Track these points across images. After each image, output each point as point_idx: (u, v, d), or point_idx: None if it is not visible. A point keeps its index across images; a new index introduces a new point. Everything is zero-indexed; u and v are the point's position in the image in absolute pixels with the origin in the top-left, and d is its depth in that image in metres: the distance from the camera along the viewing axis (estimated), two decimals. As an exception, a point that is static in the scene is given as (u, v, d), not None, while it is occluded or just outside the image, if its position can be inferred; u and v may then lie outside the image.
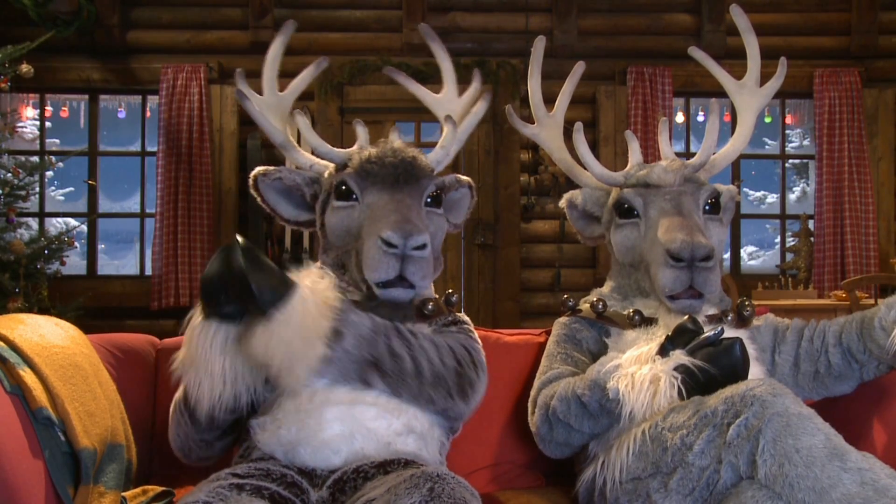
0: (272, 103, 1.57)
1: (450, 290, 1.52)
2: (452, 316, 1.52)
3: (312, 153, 1.57)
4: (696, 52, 1.76)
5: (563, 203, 1.75)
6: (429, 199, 1.48)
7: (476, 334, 1.52)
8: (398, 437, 1.31)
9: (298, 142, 1.64)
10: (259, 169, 1.51)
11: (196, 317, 1.29)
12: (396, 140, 1.53)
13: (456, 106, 1.68)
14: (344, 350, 1.24)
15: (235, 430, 1.41)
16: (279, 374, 1.21)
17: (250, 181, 1.51)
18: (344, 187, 1.44)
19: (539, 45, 1.75)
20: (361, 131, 1.58)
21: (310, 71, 1.58)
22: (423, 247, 1.32)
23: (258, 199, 1.52)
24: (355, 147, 1.55)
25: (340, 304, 1.27)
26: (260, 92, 1.56)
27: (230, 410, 1.30)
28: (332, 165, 1.53)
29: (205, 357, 1.24)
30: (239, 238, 1.24)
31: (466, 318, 1.56)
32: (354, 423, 1.28)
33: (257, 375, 1.29)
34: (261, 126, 1.54)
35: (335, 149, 1.51)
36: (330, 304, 1.25)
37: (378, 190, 1.42)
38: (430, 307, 1.45)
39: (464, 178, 1.63)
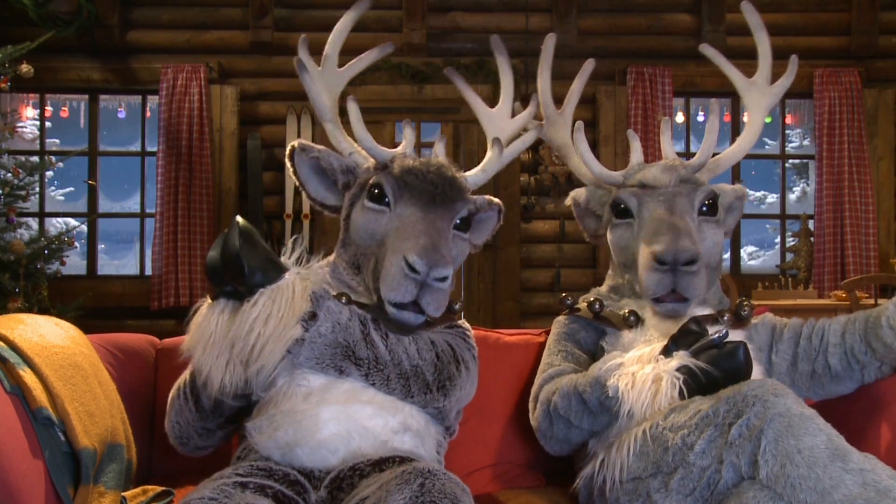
0: (329, 79, 1.54)
1: (451, 299, 1.52)
2: (452, 323, 1.52)
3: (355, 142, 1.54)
4: (706, 50, 1.73)
5: (568, 201, 1.74)
6: (458, 222, 1.46)
7: (472, 339, 1.52)
8: (395, 434, 1.32)
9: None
10: (299, 141, 1.50)
11: (205, 302, 1.29)
12: (441, 154, 1.51)
13: (506, 125, 1.65)
14: (318, 332, 1.27)
15: (237, 419, 1.41)
16: (256, 352, 1.22)
17: (287, 150, 1.50)
18: (378, 190, 1.42)
19: (549, 43, 1.74)
20: (409, 133, 1.55)
21: (373, 53, 1.57)
22: (444, 279, 1.32)
23: (290, 171, 1.51)
24: (400, 149, 1.52)
25: (321, 291, 1.29)
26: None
27: (240, 394, 1.30)
28: (371, 160, 1.51)
29: (214, 336, 1.23)
30: (239, 219, 1.25)
31: (465, 325, 1.56)
32: (351, 423, 1.28)
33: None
34: (312, 100, 1.51)
35: (379, 147, 1.48)
36: (312, 290, 1.27)
37: (412, 204, 1.39)
38: None
39: (495, 200, 1.61)
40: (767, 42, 1.67)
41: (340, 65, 1.57)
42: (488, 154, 1.58)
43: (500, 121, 1.66)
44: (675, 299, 1.47)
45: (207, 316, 1.25)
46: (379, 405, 1.31)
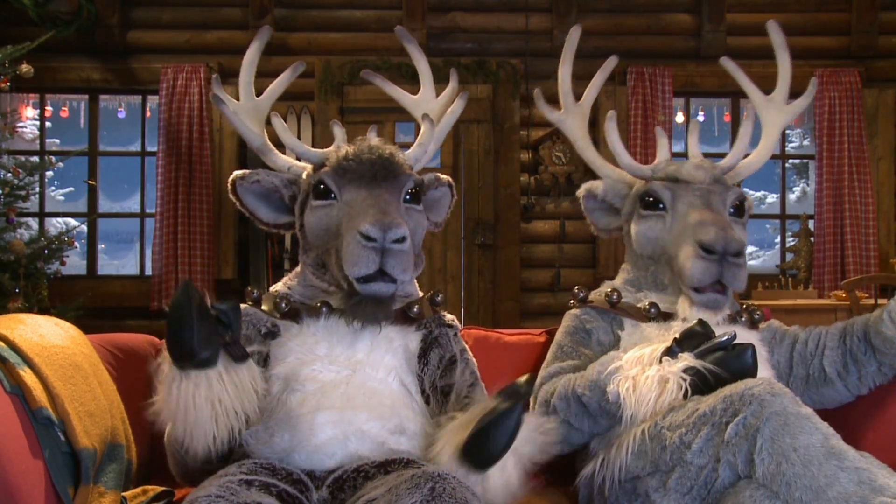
0: (249, 108, 1.57)
1: (437, 290, 1.53)
2: (438, 317, 1.52)
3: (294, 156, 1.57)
4: (727, 63, 1.77)
5: (581, 192, 1.76)
6: (408, 196, 1.48)
7: (461, 337, 1.54)
8: (391, 436, 1.32)
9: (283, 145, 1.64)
10: (237, 173, 1.52)
11: (167, 367, 1.21)
12: (374, 138, 1.54)
13: (433, 106, 1.70)
14: None
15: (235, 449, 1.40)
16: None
17: (228, 186, 1.51)
18: (322, 186, 1.44)
19: (574, 35, 1.76)
20: (338, 131, 1.59)
21: (286, 75, 1.60)
22: (402, 240, 1.31)
23: (237, 204, 1.52)
24: (332, 147, 1.55)
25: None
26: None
27: (227, 443, 1.26)
28: (310, 166, 1.53)
29: (191, 409, 1.18)
30: (188, 282, 1.16)
31: (452, 319, 1.56)
32: (347, 426, 1.28)
33: (248, 405, 1.24)
34: (238, 130, 1.55)
35: (312, 149, 1.52)
36: None
37: (356, 187, 1.41)
38: (415, 310, 1.46)
39: (443, 176, 1.64)
40: (788, 62, 1.72)
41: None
42: (422, 130, 1.61)
43: (426, 104, 1.70)
44: (716, 290, 1.48)
45: (184, 393, 1.18)
46: (375, 409, 1.32)
